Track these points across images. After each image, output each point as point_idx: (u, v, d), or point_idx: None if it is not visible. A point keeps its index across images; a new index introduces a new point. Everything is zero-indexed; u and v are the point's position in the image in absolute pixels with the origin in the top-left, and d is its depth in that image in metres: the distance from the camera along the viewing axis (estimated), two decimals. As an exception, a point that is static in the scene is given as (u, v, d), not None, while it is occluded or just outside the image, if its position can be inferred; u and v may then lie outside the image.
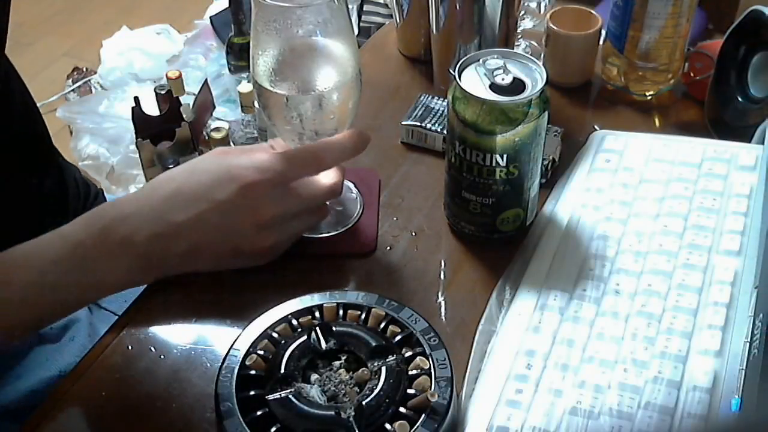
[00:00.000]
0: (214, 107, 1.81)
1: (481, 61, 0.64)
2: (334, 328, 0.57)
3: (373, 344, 0.56)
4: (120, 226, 0.58)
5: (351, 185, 0.74)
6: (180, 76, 1.84)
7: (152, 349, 0.63)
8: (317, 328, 0.56)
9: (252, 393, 0.54)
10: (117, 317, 0.65)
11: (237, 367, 0.56)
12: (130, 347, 0.63)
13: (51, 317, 0.61)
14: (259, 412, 0.53)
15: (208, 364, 0.61)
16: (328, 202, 0.68)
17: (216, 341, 0.62)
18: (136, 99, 1.61)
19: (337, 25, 0.62)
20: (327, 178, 0.65)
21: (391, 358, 0.55)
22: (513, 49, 0.81)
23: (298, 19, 0.61)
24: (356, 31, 2.01)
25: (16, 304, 0.56)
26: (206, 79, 1.84)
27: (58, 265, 0.57)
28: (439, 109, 0.81)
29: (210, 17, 2.16)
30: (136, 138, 1.66)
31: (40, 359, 0.73)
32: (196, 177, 0.61)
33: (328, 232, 0.70)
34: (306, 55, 0.63)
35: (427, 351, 0.56)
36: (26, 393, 0.71)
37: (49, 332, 0.74)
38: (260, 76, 0.64)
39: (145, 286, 0.68)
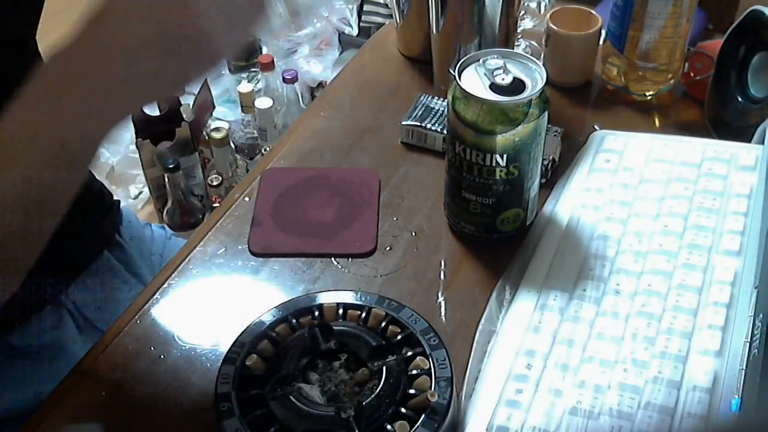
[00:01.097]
0: (214, 107, 1.82)
1: (481, 61, 0.64)
2: (334, 328, 0.57)
3: (373, 344, 0.56)
4: (61, 71, 0.53)
5: None
6: (180, 76, 1.84)
7: (152, 349, 0.63)
8: (317, 328, 0.57)
9: (252, 393, 0.54)
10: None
11: (237, 367, 0.56)
12: (130, 347, 0.63)
13: (34, 204, 0.54)
14: (259, 412, 0.53)
15: (208, 364, 0.61)
16: None
17: (216, 341, 0.63)
18: (136, 99, 1.61)
19: None
20: None
21: (391, 358, 0.55)
22: (513, 49, 0.81)
23: None
24: (356, 31, 2.02)
25: None
26: (206, 79, 1.84)
27: (15, 138, 0.52)
28: (439, 109, 0.81)
29: (210, 17, 2.15)
30: (136, 138, 1.66)
31: (15, 377, 0.71)
32: None
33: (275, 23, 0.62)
34: None
35: (427, 351, 0.56)
36: (1, 410, 0.70)
37: (29, 348, 0.73)
38: None
39: (139, 294, 0.68)
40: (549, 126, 0.67)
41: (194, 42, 0.55)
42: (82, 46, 0.54)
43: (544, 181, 0.72)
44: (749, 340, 0.53)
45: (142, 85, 0.56)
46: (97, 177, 0.90)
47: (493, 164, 0.63)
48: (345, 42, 2.03)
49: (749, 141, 0.73)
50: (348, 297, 0.60)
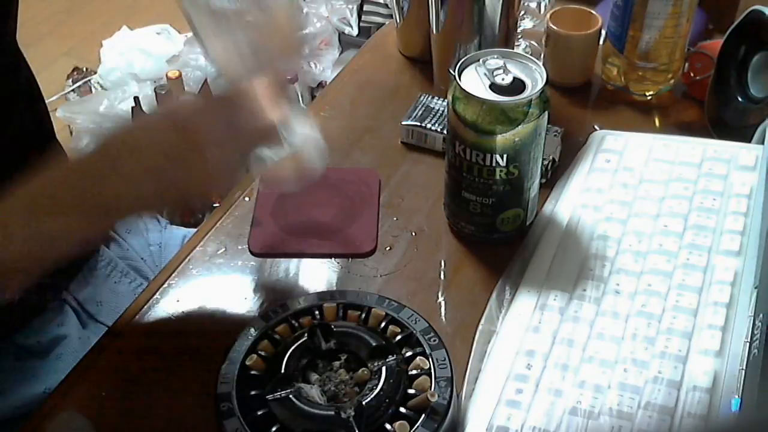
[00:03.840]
0: (214, 107, 1.81)
1: (481, 61, 0.64)
2: (334, 328, 0.57)
3: (373, 344, 0.56)
4: (65, 186, 0.57)
5: (318, 136, 0.64)
6: (180, 76, 1.84)
7: (152, 349, 0.63)
8: (317, 328, 0.57)
9: (252, 393, 0.54)
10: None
11: (237, 367, 0.56)
12: (130, 347, 0.63)
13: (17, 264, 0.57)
14: (259, 412, 0.53)
15: (208, 364, 0.61)
16: (293, 153, 0.62)
17: (216, 341, 0.62)
18: (136, 99, 1.61)
19: None
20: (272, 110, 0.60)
21: (391, 358, 0.55)
22: (513, 49, 0.81)
23: None
24: (356, 31, 2.01)
25: None
26: (206, 79, 1.83)
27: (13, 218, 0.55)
28: (439, 109, 0.81)
29: (210, 17, 2.15)
30: (136, 138, 1.66)
31: (26, 375, 0.72)
32: (141, 129, 0.60)
33: (290, 185, 0.64)
34: None
35: (427, 351, 0.56)
36: (10, 408, 0.70)
37: (36, 347, 0.74)
38: None
39: (141, 287, 0.68)
40: (549, 126, 0.67)
41: (195, 182, 0.58)
42: (90, 164, 0.57)
43: (544, 181, 0.72)
44: (749, 340, 0.53)
45: (129, 209, 0.60)
46: None
47: (493, 164, 0.63)
48: (345, 42, 2.03)
49: (749, 141, 0.73)
50: (348, 297, 0.60)
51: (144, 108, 1.64)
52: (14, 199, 0.55)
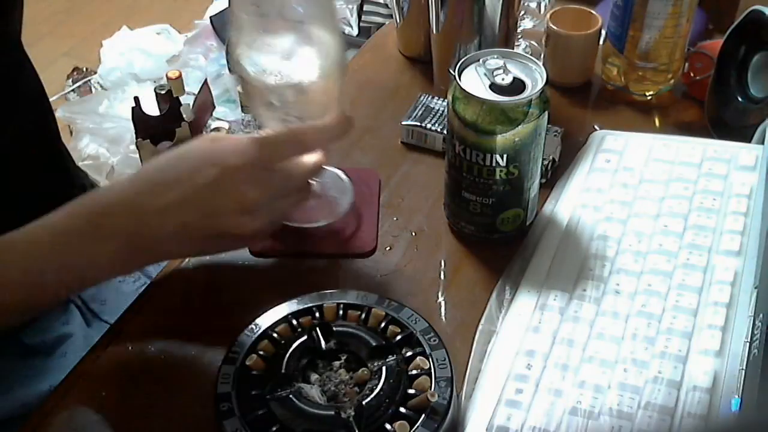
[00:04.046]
0: (214, 107, 1.81)
1: (481, 61, 0.64)
2: (334, 328, 0.57)
3: (373, 344, 0.56)
4: (103, 215, 0.58)
5: (342, 174, 0.72)
6: (180, 76, 1.84)
7: (152, 349, 0.63)
8: (317, 328, 0.57)
9: (252, 393, 0.54)
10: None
11: (237, 367, 0.56)
12: (130, 347, 0.63)
13: (33, 304, 0.60)
14: (259, 412, 0.53)
15: (208, 364, 0.61)
16: (320, 190, 0.67)
17: (216, 341, 0.62)
18: (136, 99, 1.61)
19: (319, 8, 0.60)
20: (308, 158, 0.63)
21: (391, 358, 0.55)
22: (513, 49, 0.81)
23: (280, 2, 0.59)
24: (356, 31, 2.01)
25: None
26: (206, 79, 1.83)
27: (41, 254, 0.56)
28: (439, 109, 0.81)
29: (210, 17, 2.16)
30: (136, 138, 1.66)
31: (31, 374, 0.73)
32: (179, 162, 0.60)
33: (318, 222, 0.69)
34: (287, 40, 0.62)
35: (427, 351, 0.56)
36: (17, 406, 0.70)
37: (41, 346, 0.74)
38: (240, 63, 0.62)
39: (144, 286, 0.68)
40: (549, 126, 0.67)
41: (241, 239, 0.63)
42: (133, 206, 0.59)
43: (544, 181, 0.72)
44: (749, 340, 0.53)
45: (175, 253, 0.65)
46: (90, 176, 0.90)
47: (493, 164, 0.63)
48: (345, 42, 2.03)
49: (749, 141, 0.73)
50: (348, 297, 0.60)
51: (143, 108, 1.63)
52: (40, 231, 0.57)
